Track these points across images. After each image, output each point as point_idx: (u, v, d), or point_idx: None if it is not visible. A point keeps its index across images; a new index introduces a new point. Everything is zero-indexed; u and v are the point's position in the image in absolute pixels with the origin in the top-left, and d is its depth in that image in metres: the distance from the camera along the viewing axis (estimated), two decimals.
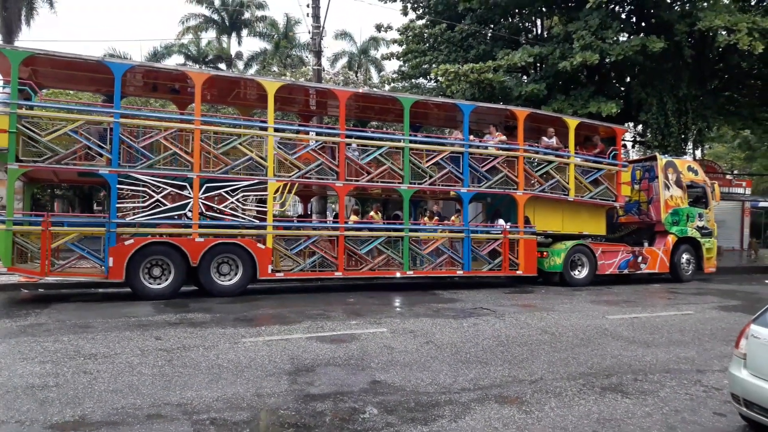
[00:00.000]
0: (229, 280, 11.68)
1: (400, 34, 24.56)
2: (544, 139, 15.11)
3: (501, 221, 14.42)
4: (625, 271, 15.73)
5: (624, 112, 20.41)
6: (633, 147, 28.37)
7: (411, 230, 13.39)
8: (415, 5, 23.93)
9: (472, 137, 14.39)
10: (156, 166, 11.28)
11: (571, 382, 5.81)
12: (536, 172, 14.56)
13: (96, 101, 14.50)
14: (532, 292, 13.49)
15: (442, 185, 13.73)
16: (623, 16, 21.27)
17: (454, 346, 7.34)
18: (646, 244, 16.40)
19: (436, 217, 14.75)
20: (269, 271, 11.82)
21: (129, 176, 10.96)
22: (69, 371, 5.82)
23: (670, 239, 16.33)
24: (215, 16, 38.56)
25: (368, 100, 15.42)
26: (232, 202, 11.68)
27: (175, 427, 4.41)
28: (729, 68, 21.20)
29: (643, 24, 21.34)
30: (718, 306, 11.48)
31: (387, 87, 26.95)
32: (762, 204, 34.79)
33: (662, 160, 16.56)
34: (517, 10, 22.94)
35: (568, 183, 14.81)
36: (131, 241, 10.87)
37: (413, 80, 25.57)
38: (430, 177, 13.52)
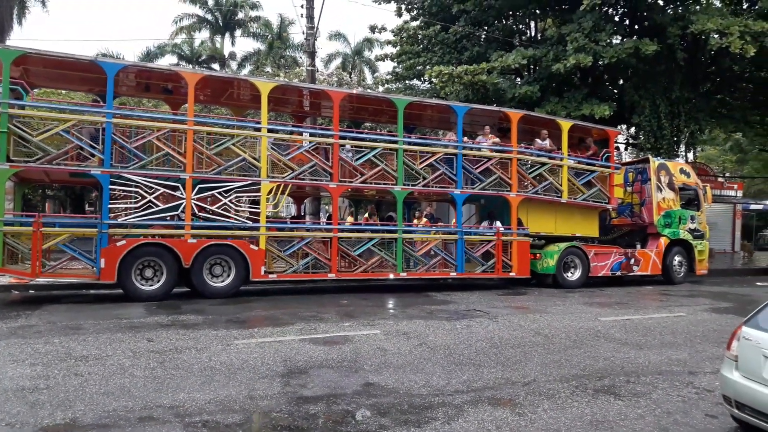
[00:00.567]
0: (222, 281, 11.63)
1: (394, 36, 24.58)
2: (538, 141, 15.15)
3: (498, 223, 14.44)
4: (618, 273, 15.78)
5: (617, 114, 20.52)
6: (626, 149, 28.55)
7: (404, 232, 13.39)
8: (410, 6, 23.97)
9: (465, 139, 14.40)
10: (148, 166, 11.23)
11: (563, 384, 5.82)
12: (529, 174, 14.59)
13: (88, 101, 14.41)
14: (525, 294, 13.52)
15: (436, 187, 13.74)
16: (616, 18, 21.37)
17: (447, 348, 7.34)
18: (638, 246, 16.48)
19: (425, 219, 14.76)
20: (262, 273, 11.79)
21: (121, 177, 10.90)
22: (60, 373, 5.78)
23: (663, 241, 16.40)
24: (209, 16, 38.44)
25: (362, 102, 15.41)
26: (225, 203, 11.64)
27: (167, 430, 4.39)
28: (721, 71, 21.33)
29: (636, 27, 21.44)
30: (710, 308, 11.54)
31: (381, 88, 26.94)
32: (753, 206, 35.03)
33: (655, 162, 16.64)
34: (511, 12, 23.02)
35: (561, 185, 14.86)
36: (123, 242, 10.81)
37: (407, 81, 25.60)
38: (424, 178, 13.53)
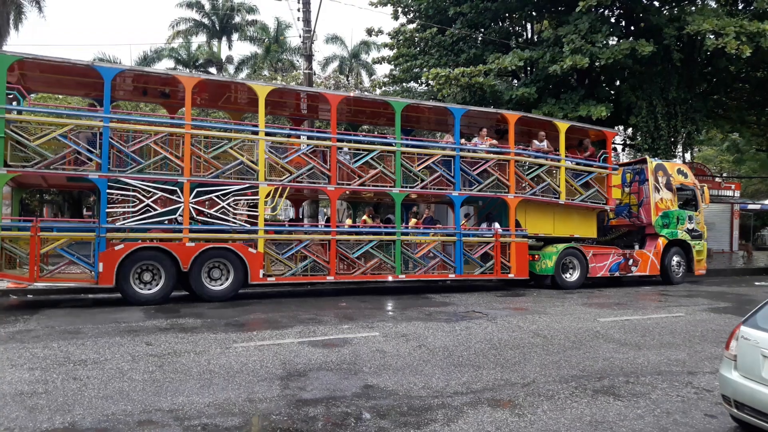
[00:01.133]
0: (220, 284, 11.62)
1: (391, 38, 24.63)
2: (535, 142, 15.16)
3: (496, 224, 14.45)
4: (616, 274, 15.80)
5: (614, 115, 20.57)
6: (623, 150, 28.60)
7: (403, 234, 13.39)
8: (406, 9, 24.01)
9: (463, 141, 14.42)
10: (146, 170, 11.22)
11: (563, 385, 5.82)
12: (527, 175, 14.61)
13: (85, 106, 14.41)
14: (523, 295, 13.52)
15: (434, 189, 13.75)
16: (613, 20, 21.44)
17: (446, 349, 7.33)
18: (636, 247, 16.50)
19: (414, 220, 14.77)
20: (260, 276, 11.78)
21: (119, 181, 10.89)
22: (58, 378, 5.76)
23: (661, 242, 16.42)
24: (206, 21, 38.45)
25: (359, 104, 15.43)
26: (223, 207, 11.63)
27: None
28: (717, 72, 21.40)
29: (633, 28, 21.52)
30: (709, 308, 11.55)
31: (378, 91, 26.96)
32: (751, 206, 35.10)
33: (652, 163, 16.66)
34: (507, 15, 23.08)
35: (559, 186, 14.88)
36: (121, 246, 10.79)
37: (404, 84, 25.64)
38: (422, 180, 13.54)
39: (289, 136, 13.90)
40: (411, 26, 24.31)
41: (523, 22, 24.11)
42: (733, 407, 4.42)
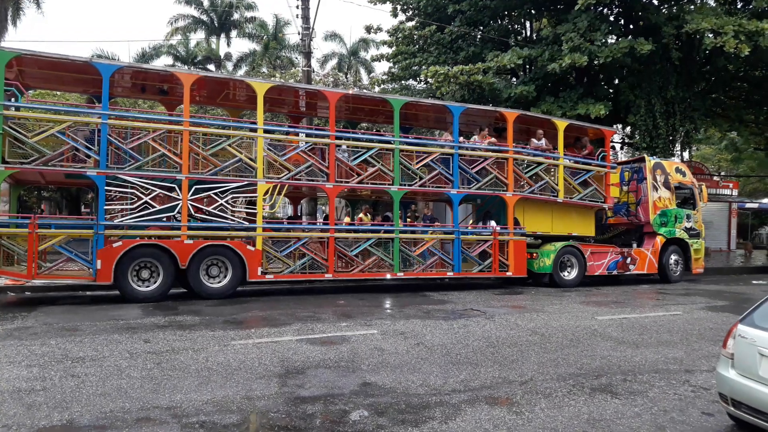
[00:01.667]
0: (219, 282, 11.62)
1: (390, 36, 24.61)
2: (534, 140, 15.17)
3: (492, 222, 14.46)
4: (614, 272, 15.82)
5: (612, 113, 20.57)
6: (621, 149, 28.62)
7: (401, 232, 13.39)
8: (405, 7, 23.99)
9: (462, 139, 14.41)
10: (144, 167, 11.21)
11: (561, 383, 5.83)
12: (526, 173, 14.61)
13: (83, 102, 14.38)
14: (521, 294, 13.54)
15: (432, 187, 13.74)
16: (611, 18, 21.44)
17: (444, 347, 7.34)
18: (634, 246, 16.52)
19: (411, 220, 14.78)
20: (259, 273, 11.77)
21: (117, 178, 10.88)
22: (56, 375, 5.76)
23: (659, 240, 16.44)
24: (204, 17, 38.37)
25: (358, 102, 15.41)
26: (221, 204, 11.62)
27: (164, 431, 4.38)
28: (716, 70, 21.42)
29: (631, 26, 21.52)
30: (706, 306, 11.58)
31: (377, 88, 26.95)
32: (749, 205, 35.15)
33: (650, 161, 16.68)
34: (506, 12, 23.08)
35: (557, 184, 14.89)
36: (119, 243, 10.78)
37: (403, 82, 25.63)
38: (420, 178, 13.53)
39: (287, 133, 13.90)
40: (410, 24, 24.30)
41: (522, 20, 24.10)
42: (730, 405, 4.44)
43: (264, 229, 12.07)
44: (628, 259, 15.95)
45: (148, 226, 11.21)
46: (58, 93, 19.46)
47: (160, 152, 11.35)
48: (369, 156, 13.05)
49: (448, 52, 22.69)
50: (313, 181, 12.79)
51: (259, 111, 12.20)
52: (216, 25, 38.50)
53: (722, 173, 40.06)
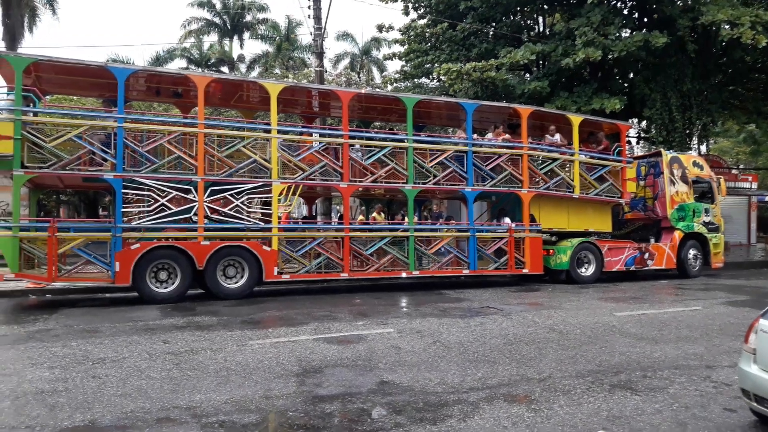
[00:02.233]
0: (235, 282, 11.69)
1: (402, 34, 24.57)
2: (548, 136, 15.08)
3: (507, 219, 14.40)
4: (632, 268, 15.66)
5: (628, 108, 20.35)
6: (637, 143, 28.29)
7: (416, 230, 13.37)
8: (416, 5, 23.92)
9: (475, 136, 14.36)
10: (160, 170, 11.30)
11: (579, 380, 5.79)
12: (540, 169, 14.52)
13: (99, 106, 14.53)
14: (538, 291, 13.47)
15: (447, 184, 13.71)
16: (625, 11, 21.22)
17: (461, 345, 7.33)
18: (652, 241, 16.35)
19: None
20: (275, 273, 11.82)
21: (134, 181, 10.99)
22: (78, 376, 5.83)
23: (677, 235, 16.26)
24: (217, 20, 38.61)
25: (371, 101, 15.42)
26: (236, 205, 11.69)
27: (184, 430, 4.42)
28: (733, 62, 21.06)
29: (646, 19, 21.27)
30: (726, 301, 11.43)
31: (389, 87, 26.93)
32: None
33: (667, 155, 16.50)
34: (518, 8, 22.91)
35: (572, 180, 14.78)
36: (137, 245, 10.89)
37: (416, 80, 25.56)
38: (434, 176, 13.50)
39: (301, 133, 13.94)
40: (422, 22, 24.22)
41: (535, 15, 23.93)
42: (753, 401, 4.37)
43: (279, 230, 12.11)
44: (646, 255, 15.79)
45: (165, 227, 11.30)
46: (75, 98, 19.67)
47: (176, 155, 11.44)
48: (382, 155, 13.06)
49: (461, 49, 22.59)
50: (327, 180, 12.82)
51: (273, 112, 12.25)
52: (229, 27, 38.73)
53: (741, 166, 39.49)
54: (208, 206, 11.46)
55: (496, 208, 16.02)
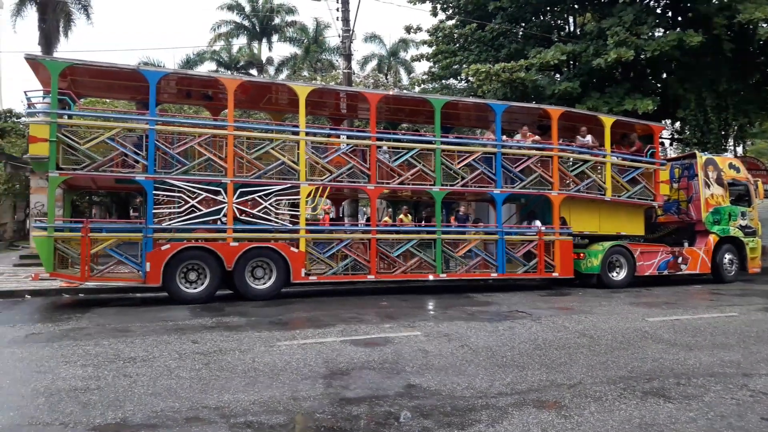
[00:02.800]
0: (264, 283, 11.77)
1: (430, 35, 24.49)
2: (579, 137, 14.86)
3: (537, 222, 14.22)
4: (665, 273, 15.34)
5: (661, 108, 19.95)
6: (671, 145, 27.70)
7: (443, 232, 13.30)
8: (445, 6, 23.84)
9: (504, 137, 14.23)
10: (191, 171, 11.45)
11: (611, 386, 5.66)
12: (571, 171, 14.32)
13: (132, 109, 14.81)
14: (568, 295, 13.27)
15: (475, 186, 13.61)
16: (658, 10, 20.81)
17: (489, 349, 7.24)
18: (686, 245, 15.98)
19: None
20: (302, 275, 11.88)
21: (165, 182, 11.15)
22: (110, 374, 5.92)
23: (712, 239, 15.88)
24: (246, 23, 39.08)
25: (399, 102, 15.40)
26: (265, 207, 11.78)
27: (212, 430, 4.44)
28: None
29: (680, 18, 20.84)
30: (764, 307, 11.10)
31: (417, 89, 26.89)
32: None
33: (702, 157, 16.14)
34: (548, 8, 22.66)
35: (604, 182, 14.54)
36: (167, 246, 11.04)
37: (443, 81, 25.46)
38: (462, 178, 13.41)
39: (329, 135, 13.99)
40: (450, 22, 24.12)
41: (565, 15, 23.64)
42: None
43: (307, 231, 12.16)
44: (680, 259, 15.45)
45: (195, 228, 11.45)
46: (108, 100, 20.09)
47: (206, 156, 11.58)
48: (410, 157, 13.02)
49: (489, 49, 22.44)
50: (354, 182, 12.83)
51: (301, 114, 12.32)
52: (257, 30, 39.16)
53: None
54: (237, 207, 11.57)
55: (526, 210, 15.85)
